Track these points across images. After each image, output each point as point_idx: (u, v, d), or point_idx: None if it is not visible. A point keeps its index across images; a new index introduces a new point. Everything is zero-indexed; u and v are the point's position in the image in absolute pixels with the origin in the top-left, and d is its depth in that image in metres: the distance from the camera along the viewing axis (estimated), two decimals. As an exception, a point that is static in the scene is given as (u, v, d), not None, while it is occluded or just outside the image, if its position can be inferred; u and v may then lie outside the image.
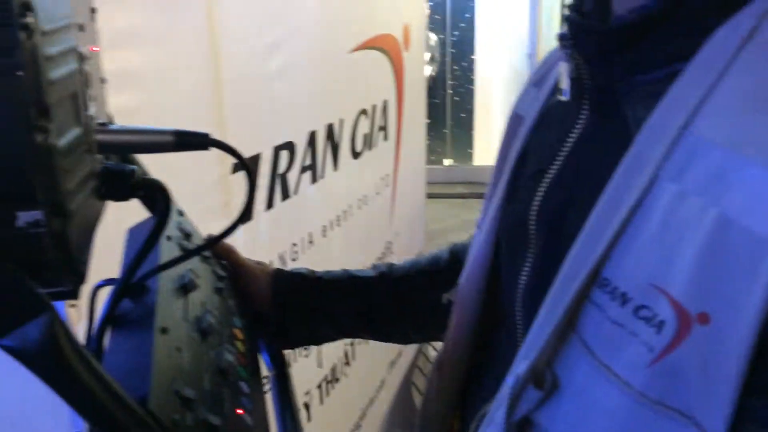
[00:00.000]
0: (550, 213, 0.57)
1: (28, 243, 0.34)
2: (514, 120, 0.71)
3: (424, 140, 3.19)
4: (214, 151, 1.41)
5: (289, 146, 1.71)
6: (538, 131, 0.66)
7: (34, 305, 0.35)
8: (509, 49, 6.51)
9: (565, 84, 0.55)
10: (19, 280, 0.35)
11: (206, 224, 0.84)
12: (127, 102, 1.10)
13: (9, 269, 0.34)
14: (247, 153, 1.52)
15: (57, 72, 0.38)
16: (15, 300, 0.34)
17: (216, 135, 1.44)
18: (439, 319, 0.79)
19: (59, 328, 0.35)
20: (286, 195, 1.71)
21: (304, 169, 1.80)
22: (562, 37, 0.54)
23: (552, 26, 6.34)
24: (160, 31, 1.23)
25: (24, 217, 0.34)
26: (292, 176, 1.74)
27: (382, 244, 2.55)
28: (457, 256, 0.91)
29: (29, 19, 0.35)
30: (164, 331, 0.51)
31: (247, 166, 0.57)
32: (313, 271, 0.91)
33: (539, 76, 0.69)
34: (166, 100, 1.24)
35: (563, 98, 0.56)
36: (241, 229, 1.49)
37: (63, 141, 0.37)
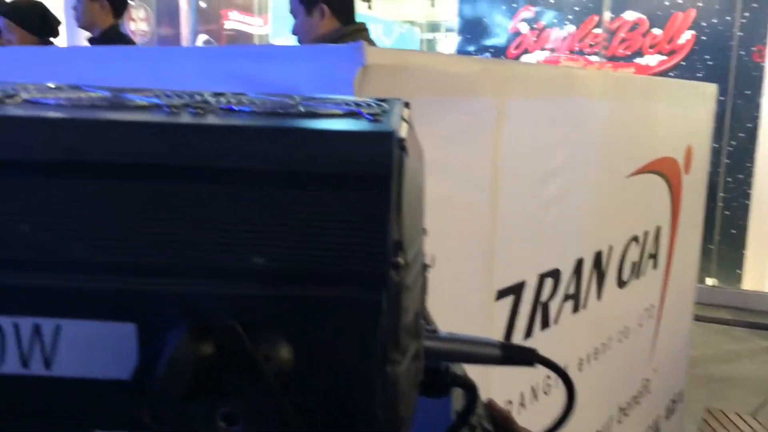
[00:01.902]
0: None
1: None
2: None
3: (696, 271, 2.88)
4: (478, 271, 1.39)
5: (555, 274, 1.63)
6: None
7: None
8: (799, 164, 5.77)
9: None
10: None
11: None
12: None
13: None
14: (512, 280, 1.48)
15: (410, 297, 0.37)
16: None
17: (485, 260, 1.42)
18: None
19: None
20: (545, 324, 1.63)
21: (566, 298, 1.71)
22: None
23: None
24: (447, 161, 1.26)
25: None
26: (554, 305, 1.65)
27: (639, 382, 2.31)
28: None
29: (399, 258, 0.34)
30: None
31: (570, 383, 0.52)
32: None
33: None
34: (443, 225, 1.25)
35: None
36: (498, 358, 1.44)
37: (404, 364, 0.36)
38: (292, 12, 2.21)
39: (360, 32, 2.14)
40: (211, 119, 0.48)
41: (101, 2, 2.92)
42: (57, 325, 0.35)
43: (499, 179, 1.38)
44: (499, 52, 7.16)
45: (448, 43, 11.84)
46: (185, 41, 8.77)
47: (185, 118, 0.46)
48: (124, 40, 3.14)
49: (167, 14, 8.78)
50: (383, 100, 0.66)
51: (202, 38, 8.76)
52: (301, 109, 0.53)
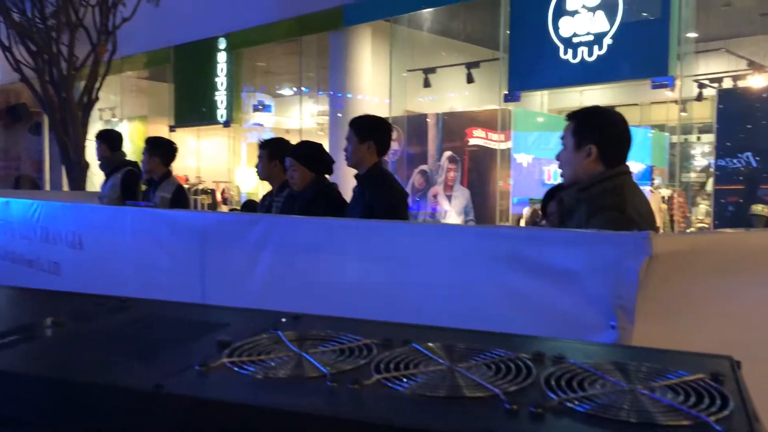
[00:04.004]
0: None
1: None
2: None
3: None
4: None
5: None
6: None
7: None
8: None
9: None
10: None
11: None
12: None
13: None
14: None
15: None
16: None
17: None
18: None
19: None
20: None
21: None
22: None
23: None
24: (745, 345, 1.14)
25: None
26: None
27: None
28: None
29: None
30: None
31: None
32: None
33: None
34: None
35: None
36: None
37: None
38: (563, 138, 2.21)
39: (620, 176, 2.08)
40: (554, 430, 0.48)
41: (369, 144, 3.23)
42: None
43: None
44: (766, 157, 6.49)
45: (703, 146, 11.04)
46: (431, 158, 9.35)
47: (528, 428, 0.47)
48: (386, 175, 3.43)
49: (416, 134, 9.48)
50: (717, 377, 0.60)
51: (446, 154, 9.27)
52: (641, 414, 0.50)
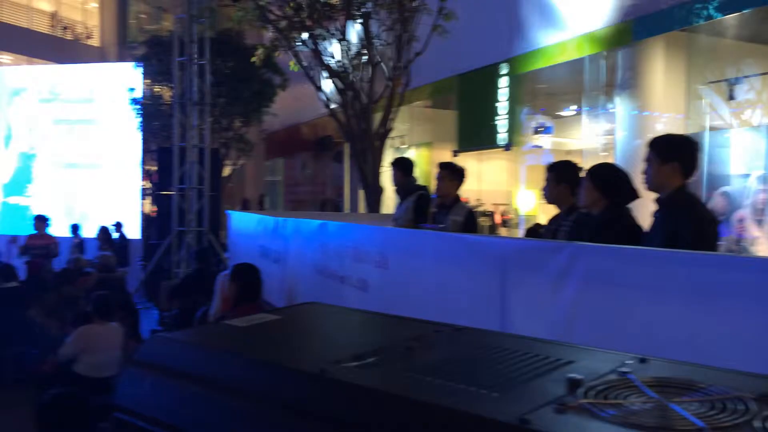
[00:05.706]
0: None
1: None
2: None
3: None
4: None
5: None
6: None
7: None
8: None
9: None
10: None
11: None
12: None
13: None
14: None
15: None
16: None
17: None
18: None
19: None
20: None
21: None
22: None
23: None
24: None
25: None
26: None
27: None
28: None
29: None
30: None
31: None
32: None
33: None
34: None
35: None
36: None
37: None
38: None
39: None
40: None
41: (673, 165, 2.97)
42: None
43: None
44: None
45: None
46: (735, 178, 8.33)
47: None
48: (693, 199, 3.11)
49: (716, 151, 8.53)
50: None
51: (756, 174, 8.17)
52: None
